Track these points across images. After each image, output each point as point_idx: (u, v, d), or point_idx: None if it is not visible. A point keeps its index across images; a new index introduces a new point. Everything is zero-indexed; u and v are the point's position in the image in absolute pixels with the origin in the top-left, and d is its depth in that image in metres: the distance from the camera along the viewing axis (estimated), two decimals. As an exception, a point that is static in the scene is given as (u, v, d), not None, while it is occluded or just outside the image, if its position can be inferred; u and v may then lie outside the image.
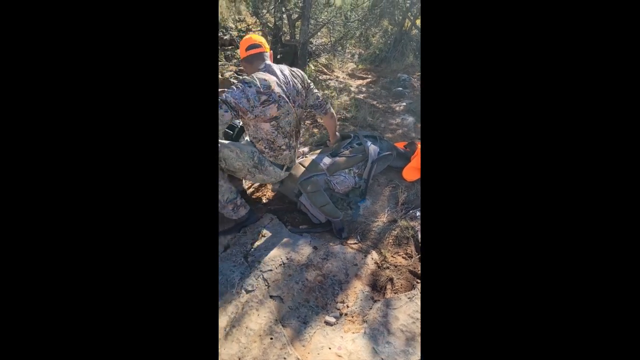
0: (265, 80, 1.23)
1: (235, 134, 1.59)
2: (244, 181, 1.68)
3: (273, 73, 1.29)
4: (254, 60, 1.32)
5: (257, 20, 3.37)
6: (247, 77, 1.25)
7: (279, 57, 3.62)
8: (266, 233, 1.37)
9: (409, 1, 3.37)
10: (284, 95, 1.28)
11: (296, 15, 3.15)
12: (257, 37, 1.36)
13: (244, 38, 1.36)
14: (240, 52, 1.37)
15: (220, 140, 1.36)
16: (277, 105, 1.26)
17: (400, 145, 1.89)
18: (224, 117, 1.19)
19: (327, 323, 1.01)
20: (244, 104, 1.19)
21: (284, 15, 3.14)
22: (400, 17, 3.36)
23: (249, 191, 1.72)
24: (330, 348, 0.94)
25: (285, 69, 1.36)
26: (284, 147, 1.38)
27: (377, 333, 0.97)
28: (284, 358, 0.91)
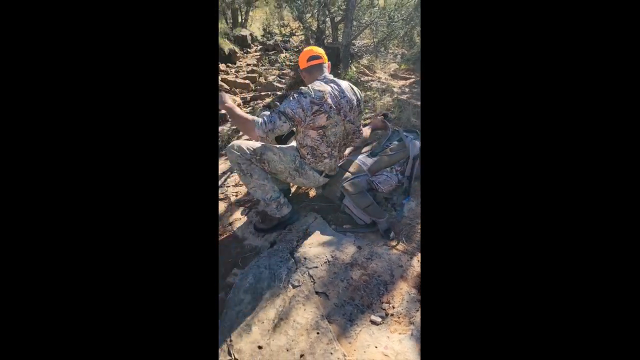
0: (320, 91, 1.28)
1: (285, 136, 1.64)
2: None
3: (329, 84, 1.34)
4: (314, 71, 1.39)
5: (301, 25, 3.44)
6: (303, 87, 1.31)
7: (321, 59, 3.66)
8: (310, 231, 1.40)
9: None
10: (334, 107, 1.32)
11: (339, 18, 3.18)
12: (317, 49, 1.41)
13: (305, 49, 1.42)
14: (301, 63, 1.43)
15: (264, 144, 1.42)
16: (327, 115, 1.30)
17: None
18: (283, 127, 1.27)
19: (373, 322, 1.01)
20: (299, 115, 1.28)
21: (327, 19, 3.18)
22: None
23: (293, 189, 1.77)
24: (376, 347, 0.94)
25: (344, 83, 1.41)
26: (325, 155, 1.41)
27: (425, 335, 0.95)
28: (330, 353, 0.93)
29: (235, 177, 1.93)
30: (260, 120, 1.25)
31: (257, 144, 1.39)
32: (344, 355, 0.92)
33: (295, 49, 4.13)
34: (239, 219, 1.61)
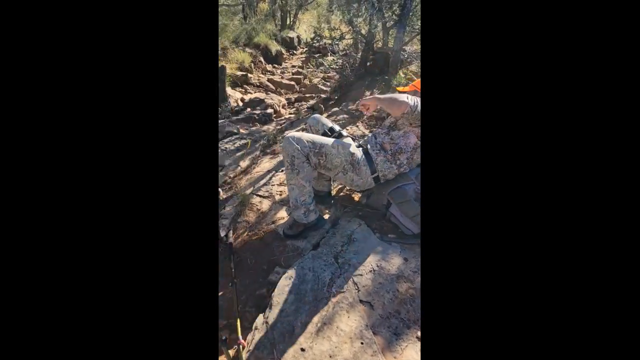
0: None
1: (332, 135, 1.64)
2: (332, 183, 1.71)
3: None
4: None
5: (351, 28, 3.44)
6: None
7: (368, 64, 3.65)
8: (355, 237, 1.38)
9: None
10: None
11: (391, 23, 3.14)
12: None
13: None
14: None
15: (317, 136, 1.41)
16: None
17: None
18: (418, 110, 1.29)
19: (420, 339, 0.97)
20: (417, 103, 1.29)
21: (379, 23, 3.15)
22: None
23: (334, 191, 1.76)
24: (423, 365, 0.90)
25: None
26: (398, 163, 1.42)
27: None
28: (376, 366, 0.90)
29: (280, 177, 1.96)
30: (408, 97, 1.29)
31: (317, 137, 1.38)
32: (389, 370, 0.89)
33: (342, 52, 4.13)
34: (282, 217, 1.63)
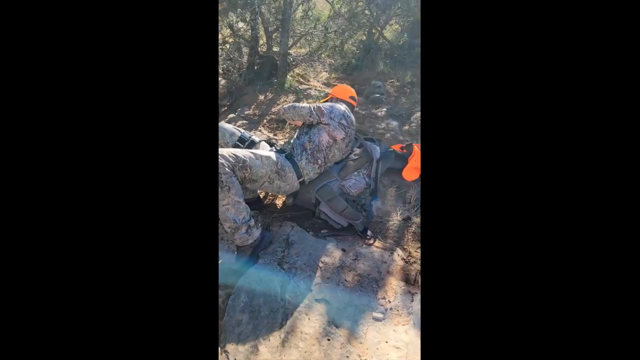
0: (350, 116, 1.61)
1: (246, 147, 1.60)
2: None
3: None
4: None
5: (233, 33, 3.36)
6: (341, 103, 1.66)
7: (256, 68, 3.63)
8: (292, 240, 1.39)
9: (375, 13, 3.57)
10: (350, 137, 1.59)
11: (274, 27, 3.20)
12: (354, 92, 1.83)
13: (348, 87, 1.82)
14: (341, 94, 1.77)
15: (246, 149, 1.37)
16: (344, 136, 1.54)
17: (396, 147, 2.00)
18: (312, 118, 1.53)
19: (376, 319, 1.06)
20: (328, 113, 1.51)
21: (261, 28, 3.17)
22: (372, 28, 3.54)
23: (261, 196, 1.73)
24: (387, 342, 0.98)
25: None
26: (319, 162, 1.50)
27: (426, 322, 1.04)
28: (347, 357, 0.94)
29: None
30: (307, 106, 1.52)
31: (238, 150, 1.31)
32: (359, 356, 0.95)
33: (226, 57, 4.01)
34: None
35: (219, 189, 1.26)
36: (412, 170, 1.86)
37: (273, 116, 2.86)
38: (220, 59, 4.17)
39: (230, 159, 1.25)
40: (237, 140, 1.61)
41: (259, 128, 2.69)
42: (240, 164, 1.28)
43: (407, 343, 0.98)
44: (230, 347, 0.98)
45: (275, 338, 1.00)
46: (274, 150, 1.57)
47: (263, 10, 2.72)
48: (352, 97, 1.78)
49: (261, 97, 3.34)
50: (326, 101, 1.77)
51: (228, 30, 3.60)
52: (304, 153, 1.46)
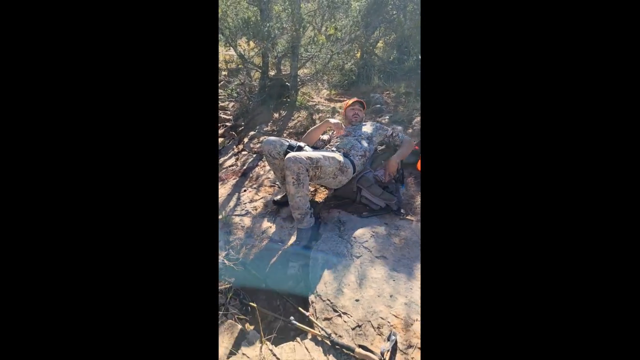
0: None
1: (296, 151, 1.94)
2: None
3: None
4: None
5: (243, 61, 3.76)
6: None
7: (266, 89, 4.03)
8: (343, 220, 1.73)
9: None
10: None
11: (282, 54, 3.62)
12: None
13: (357, 101, 2.21)
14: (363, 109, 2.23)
15: (311, 152, 1.70)
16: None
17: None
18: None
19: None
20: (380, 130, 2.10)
21: (271, 55, 3.59)
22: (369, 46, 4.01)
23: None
24: (436, 277, 1.33)
25: None
26: (365, 158, 1.96)
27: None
28: (410, 289, 1.28)
29: (249, 194, 2.13)
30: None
31: (310, 153, 1.64)
32: (419, 289, 1.29)
33: (238, 83, 4.41)
34: (268, 227, 1.84)
35: (296, 186, 1.58)
36: (424, 163, 2.25)
37: (291, 130, 3.23)
38: (233, 85, 4.56)
39: (307, 161, 1.58)
40: (287, 148, 1.91)
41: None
42: (313, 165, 1.60)
43: (452, 277, 1.32)
44: (319, 291, 1.30)
45: (353, 283, 1.33)
46: (333, 150, 1.90)
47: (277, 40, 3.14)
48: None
49: (275, 115, 3.72)
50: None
51: (239, 59, 4.00)
52: (352, 151, 1.84)
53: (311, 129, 2.08)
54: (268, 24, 3.03)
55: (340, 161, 1.75)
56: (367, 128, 2.11)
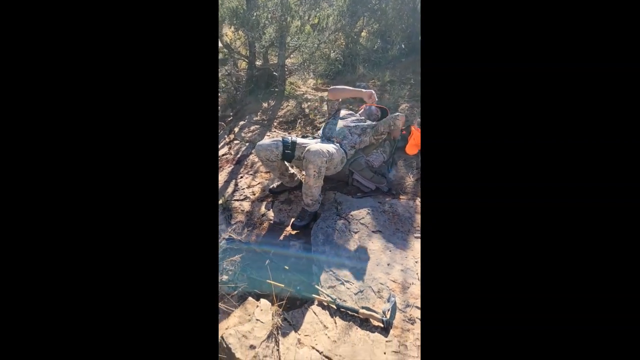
0: None
1: (291, 149, 1.96)
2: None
3: None
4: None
5: (229, 52, 3.77)
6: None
7: (254, 79, 4.06)
8: (339, 200, 1.84)
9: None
10: None
11: (268, 44, 3.65)
12: None
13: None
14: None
15: (328, 145, 1.75)
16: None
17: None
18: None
19: (417, 237, 1.53)
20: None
21: (258, 45, 3.62)
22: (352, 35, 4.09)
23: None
24: (428, 247, 1.46)
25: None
26: (355, 148, 2.00)
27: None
28: (405, 257, 1.41)
29: (245, 180, 2.20)
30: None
31: (326, 146, 1.68)
32: (414, 257, 1.42)
33: (226, 74, 4.41)
34: (268, 210, 1.93)
35: (316, 178, 1.64)
36: (412, 147, 2.37)
37: (281, 119, 3.29)
38: (220, 75, 4.56)
39: (327, 155, 1.62)
40: (283, 147, 1.82)
41: (273, 129, 3.12)
42: (330, 158, 1.66)
43: (442, 246, 1.46)
44: (323, 266, 1.41)
45: (353, 254, 1.44)
46: (321, 140, 1.96)
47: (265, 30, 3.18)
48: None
49: (264, 105, 3.77)
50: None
51: (225, 49, 4.00)
52: (344, 141, 1.92)
53: (344, 87, 2.13)
54: (256, 13, 3.06)
55: (341, 152, 1.84)
56: (363, 124, 2.09)
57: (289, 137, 1.90)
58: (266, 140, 1.88)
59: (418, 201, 1.82)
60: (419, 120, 2.64)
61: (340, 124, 2.04)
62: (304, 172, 1.72)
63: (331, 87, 2.13)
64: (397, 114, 2.17)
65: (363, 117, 2.14)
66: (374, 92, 1.95)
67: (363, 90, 1.98)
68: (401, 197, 1.88)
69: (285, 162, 1.88)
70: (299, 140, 1.93)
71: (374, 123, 2.08)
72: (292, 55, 3.84)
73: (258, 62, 4.00)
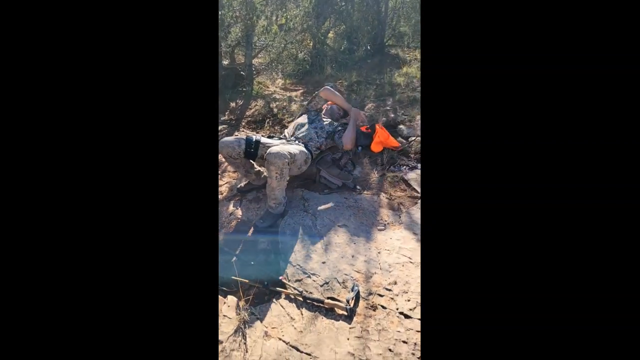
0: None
1: (254, 148, 1.96)
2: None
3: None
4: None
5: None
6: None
7: (221, 79, 4.01)
8: (306, 197, 1.88)
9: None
10: None
11: (235, 43, 3.63)
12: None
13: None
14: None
15: (290, 146, 1.78)
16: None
17: (362, 128, 2.59)
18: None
19: (380, 230, 1.60)
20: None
21: (224, 44, 3.58)
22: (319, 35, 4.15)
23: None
24: (390, 238, 1.53)
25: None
26: (321, 148, 2.05)
27: (412, 225, 1.61)
28: (369, 249, 1.47)
29: (212, 181, 2.18)
30: None
31: (288, 147, 1.71)
32: (377, 248, 1.48)
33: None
34: (236, 209, 1.93)
35: (279, 180, 1.65)
36: (377, 145, 2.46)
37: (249, 119, 3.28)
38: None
39: (289, 156, 1.65)
40: (246, 144, 1.84)
41: (241, 129, 3.11)
42: (292, 159, 1.69)
43: (402, 237, 1.54)
44: (291, 259, 1.45)
45: (319, 248, 1.49)
46: (287, 141, 1.98)
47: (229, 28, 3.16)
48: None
49: (232, 104, 3.73)
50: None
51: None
52: (311, 143, 1.96)
53: (337, 94, 2.24)
54: (220, 12, 3.04)
55: (306, 153, 1.87)
56: (327, 126, 2.16)
57: (254, 136, 1.91)
58: (230, 137, 1.88)
59: (382, 196, 1.90)
60: (384, 119, 2.73)
61: (307, 125, 2.08)
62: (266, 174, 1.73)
63: (326, 86, 2.22)
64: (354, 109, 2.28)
65: (326, 116, 2.20)
66: (363, 113, 2.13)
67: (353, 108, 2.15)
68: (365, 192, 1.95)
69: (250, 160, 1.89)
70: (263, 139, 1.94)
71: (339, 128, 2.14)
72: (259, 55, 3.84)
73: (225, 62, 3.96)
